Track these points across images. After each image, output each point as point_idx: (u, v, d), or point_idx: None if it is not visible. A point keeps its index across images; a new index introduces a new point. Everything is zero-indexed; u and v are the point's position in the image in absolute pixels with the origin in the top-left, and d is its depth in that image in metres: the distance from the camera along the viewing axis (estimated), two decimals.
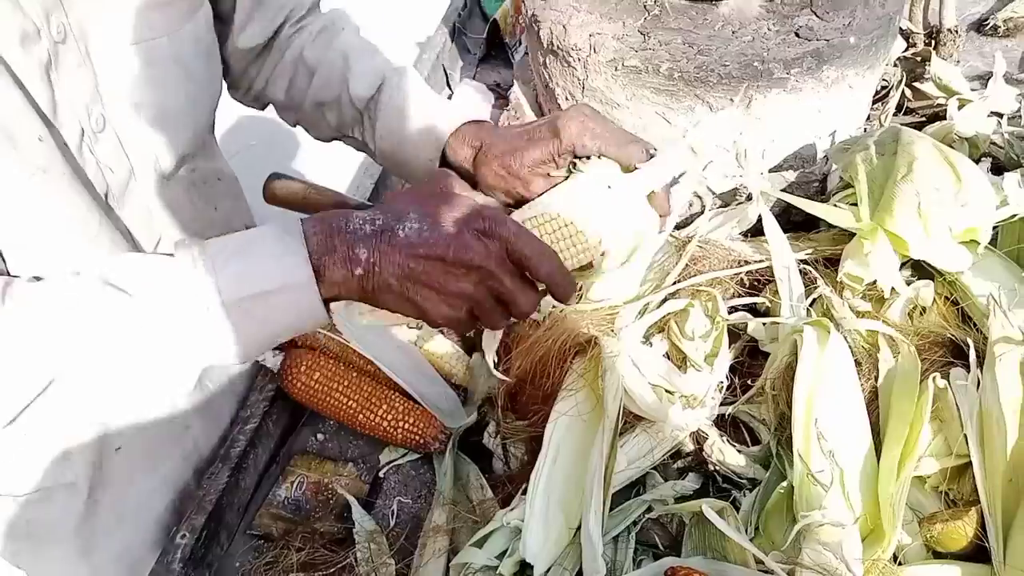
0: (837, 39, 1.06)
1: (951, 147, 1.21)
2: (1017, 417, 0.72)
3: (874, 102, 1.45)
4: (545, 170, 0.82)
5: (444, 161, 0.94)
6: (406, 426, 1.02)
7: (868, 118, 1.40)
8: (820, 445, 0.72)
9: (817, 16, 1.09)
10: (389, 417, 1.02)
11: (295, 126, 1.15)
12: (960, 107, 1.37)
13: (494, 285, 0.68)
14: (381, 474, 1.04)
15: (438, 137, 0.93)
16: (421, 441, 1.02)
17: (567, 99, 1.20)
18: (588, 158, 0.80)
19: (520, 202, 0.84)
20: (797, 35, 1.07)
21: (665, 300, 0.94)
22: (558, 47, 1.15)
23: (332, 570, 0.93)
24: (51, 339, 0.64)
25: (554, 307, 0.98)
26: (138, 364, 0.67)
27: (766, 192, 0.98)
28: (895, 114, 1.47)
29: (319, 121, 1.07)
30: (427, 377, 1.09)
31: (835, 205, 0.96)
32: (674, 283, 0.95)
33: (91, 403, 0.68)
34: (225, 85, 1.08)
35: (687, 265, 0.96)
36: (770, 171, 1.18)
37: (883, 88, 1.46)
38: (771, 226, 0.97)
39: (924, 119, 1.43)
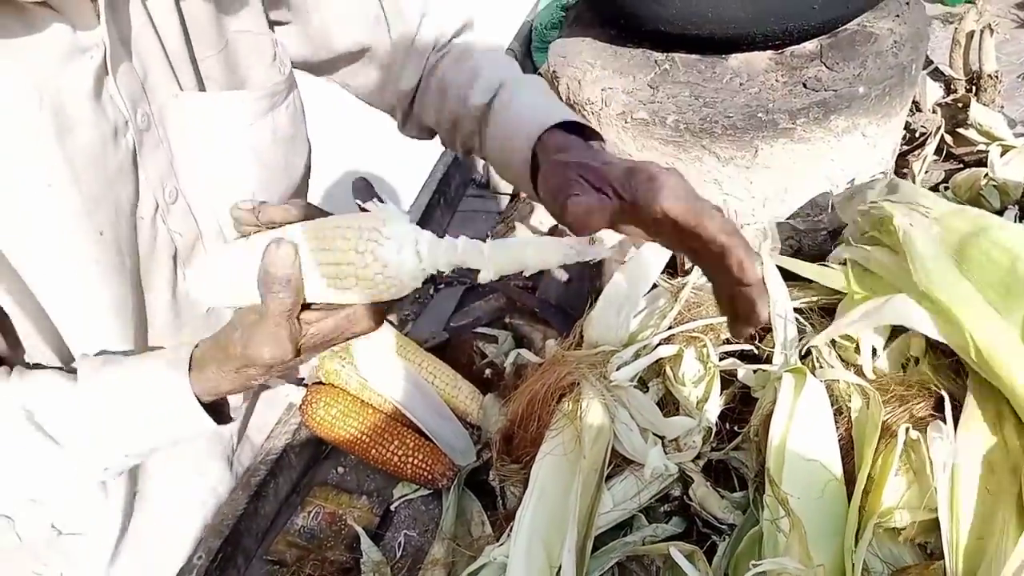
0: (845, 89, 1.07)
1: (979, 194, 1.20)
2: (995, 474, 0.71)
3: (912, 148, 1.44)
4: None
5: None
6: (415, 462, 1.07)
7: (906, 165, 1.39)
8: (774, 492, 0.72)
9: (827, 67, 1.10)
10: (400, 452, 1.07)
11: (448, 148, 1.19)
12: (1003, 153, 1.34)
13: None
14: (392, 508, 1.09)
15: (535, 132, 0.87)
16: (429, 477, 1.06)
17: None
18: None
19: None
20: (804, 86, 1.09)
21: (658, 346, 0.96)
22: (574, 101, 1.20)
23: None
24: None
25: (557, 349, 1.02)
26: (57, 484, 0.85)
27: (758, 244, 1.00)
28: (937, 160, 1.45)
29: (454, 137, 1.09)
30: (441, 416, 1.14)
31: (829, 264, 0.96)
32: (668, 328, 0.97)
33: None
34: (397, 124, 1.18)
35: (682, 312, 0.98)
36: (787, 219, 1.19)
37: (922, 134, 1.45)
38: (772, 275, 0.98)
39: (963, 165, 1.40)
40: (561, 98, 1.23)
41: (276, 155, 0.98)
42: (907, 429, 0.75)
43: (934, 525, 0.75)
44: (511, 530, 0.90)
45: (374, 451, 1.08)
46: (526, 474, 0.97)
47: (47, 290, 0.82)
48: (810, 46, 1.14)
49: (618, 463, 0.92)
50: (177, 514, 1.11)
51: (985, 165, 1.34)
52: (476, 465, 1.08)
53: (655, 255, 1.02)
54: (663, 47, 1.18)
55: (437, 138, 1.18)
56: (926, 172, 1.40)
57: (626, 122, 1.13)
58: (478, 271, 0.63)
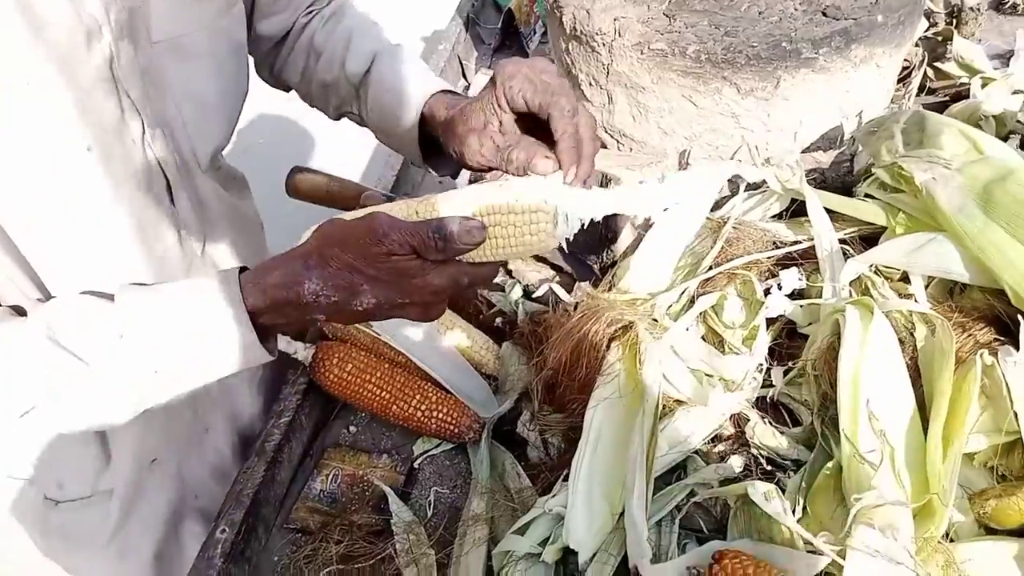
0: (864, 17, 1.06)
1: (978, 126, 1.21)
2: None
3: (896, 82, 1.44)
4: (483, 136, 0.81)
5: (425, 133, 0.97)
6: (440, 416, 1.01)
7: (892, 99, 1.39)
8: (872, 425, 0.71)
9: None
10: (423, 407, 1.02)
11: (312, 106, 1.16)
12: (983, 86, 1.36)
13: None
14: (416, 465, 1.03)
15: (417, 104, 0.96)
16: (455, 431, 1.01)
17: (590, 85, 1.19)
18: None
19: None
20: (824, 14, 1.06)
21: (703, 284, 0.94)
22: (582, 32, 1.14)
23: (371, 562, 0.93)
24: (17, 386, 0.71)
25: (588, 294, 0.98)
26: (95, 408, 0.73)
27: (788, 179, 0.97)
28: (917, 94, 1.46)
29: (325, 101, 1.10)
30: (458, 368, 1.08)
31: (865, 196, 0.95)
32: (710, 267, 0.94)
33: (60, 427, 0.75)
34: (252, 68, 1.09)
35: (722, 248, 0.95)
36: (808, 152, 1.17)
37: (905, 68, 1.45)
38: (814, 206, 0.96)
39: (947, 99, 1.42)
40: (565, 29, 1.17)
41: (231, 62, 0.94)
42: (981, 355, 0.75)
43: (1005, 449, 0.76)
44: (564, 479, 0.87)
45: (395, 407, 1.02)
46: (571, 422, 0.94)
47: (18, 205, 0.75)
48: None
49: (667, 404, 0.90)
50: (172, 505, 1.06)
51: (960, 99, 1.37)
52: (500, 415, 1.04)
53: (699, 203, 0.98)
54: None
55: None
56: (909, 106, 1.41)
57: (642, 53, 1.08)
58: None
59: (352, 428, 1.10)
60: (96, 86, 0.77)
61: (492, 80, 0.79)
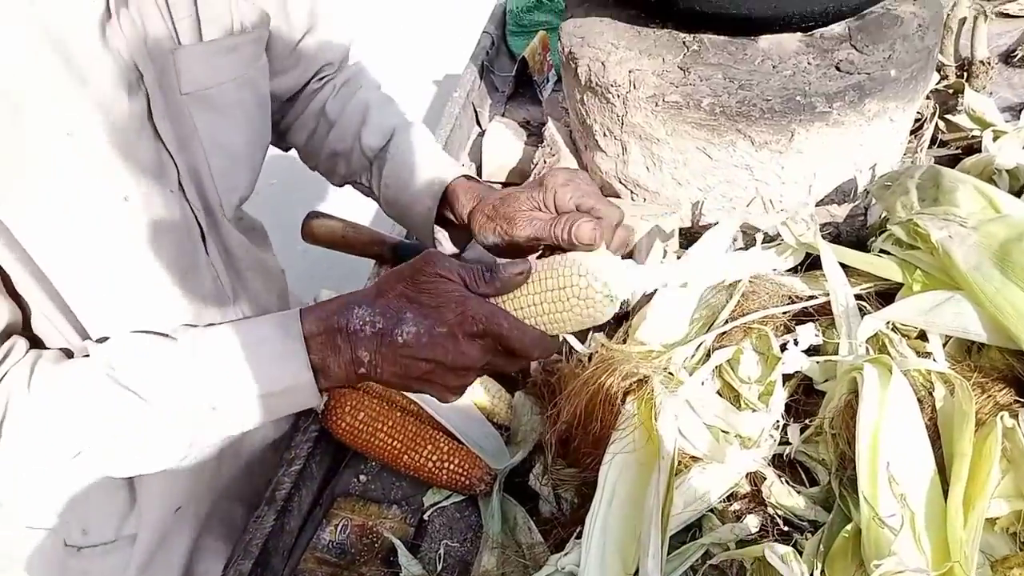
0: (878, 72, 1.06)
1: (991, 179, 1.21)
2: None
3: (908, 134, 1.45)
4: (530, 215, 0.87)
5: (440, 212, 1.01)
6: (451, 467, 1.00)
7: (904, 151, 1.39)
8: (892, 488, 0.70)
9: (857, 50, 1.09)
10: (434, 458, 1.01)
11: (315, 170, 1.19)
12: (995, 138, 1.37)
13: (489, 367, 0.77)
14: (426, 517, 1.02)
15: (437, 187, 1.01)
16: (467, 482, 1.00)
17: (605, 135, 1.20)
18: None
19: (510, 242, 0.89)
20: (838, 69, 1.07)
21: (719, 336, 0.93)
22: (597, 84, 1.15)
23: None
24: (74, 427, 0.73)
25: (603, 345, 0.97)
26: (148, 448, 0.76)
27: (803, 233, 0.97)
28: (929, 147, 1.47)
29: (332, 169, 1.14)
30: (470, 417, 1.08)
31: (880, 251, 0.95)
32: (726, 321, 0.94)
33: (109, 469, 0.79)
34: None
35: (739, 302, 0.95)
36: (822, 205, 1.17)
37: (917, 121, 1.46)
38: (829, 261, 0.95)
39: (959, 151, 1.42)
40: (580, 80, 1.18)
41: (256, 113, 0.96)
42: (1001, 417, 0.74)
43: None
44: (576, 536, 0.85)
45: (406, 458, 1.01)
46: (584, 477, 0.93)
47: (62, 255, 0.76)
48: (838, 28, 1.13)
49: (682, 461, 0.89)
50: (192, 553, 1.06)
51: (972, 152, 1.37)
52: (511, 467, 1.03)
53: (714, 255, 0.98)
54: (689, 28, 1.15)
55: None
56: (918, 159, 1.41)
57: (656, 105, 1.09)
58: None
59: (362, 477, 1.08)
60: (137, 135, 0.79)
61: (541, 182, 0.88)
